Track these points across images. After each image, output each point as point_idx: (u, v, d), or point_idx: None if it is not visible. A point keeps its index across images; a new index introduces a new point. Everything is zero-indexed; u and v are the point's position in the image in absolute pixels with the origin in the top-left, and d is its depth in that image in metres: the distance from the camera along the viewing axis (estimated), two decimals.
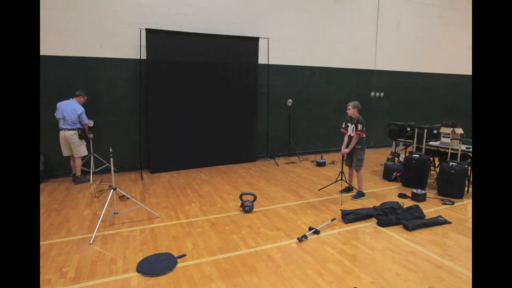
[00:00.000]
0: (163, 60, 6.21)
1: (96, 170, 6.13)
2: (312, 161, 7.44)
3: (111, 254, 3.23)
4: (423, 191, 4.85)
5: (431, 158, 5.94)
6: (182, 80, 6.41)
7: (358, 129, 4.74)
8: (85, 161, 6.03)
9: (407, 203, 4.63)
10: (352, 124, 4.86)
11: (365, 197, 4.95)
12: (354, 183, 5.20)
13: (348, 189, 5.19)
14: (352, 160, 4.98)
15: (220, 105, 6.82)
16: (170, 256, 3.17)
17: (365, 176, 6.18)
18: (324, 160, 7.09)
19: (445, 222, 4.02)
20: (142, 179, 5.87)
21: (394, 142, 6.95)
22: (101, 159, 6.15)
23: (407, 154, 5.82)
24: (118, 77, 6.20)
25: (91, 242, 3.46)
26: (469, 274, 2.91)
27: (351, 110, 4.85)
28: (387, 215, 4.01)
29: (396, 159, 6.87)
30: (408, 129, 6.17)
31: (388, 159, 7.16)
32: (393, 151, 6.99)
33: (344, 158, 5.06)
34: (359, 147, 4.85)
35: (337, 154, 8.18)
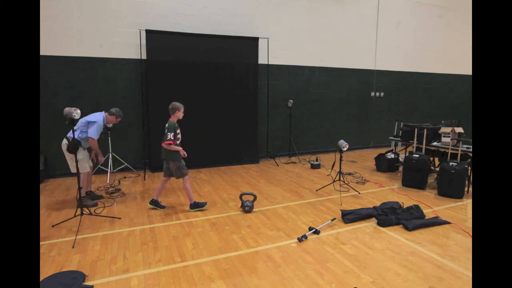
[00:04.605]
0: (163, 60, 6.22)
1: (115, 170, 6.25)
2: (309, 161, 7.32)
3: (111, 254, 3.24)
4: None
5: (431, 158, 5.93)
6: (183, 80, 6.42)
7: (167, 138, 3.98)
8: (105, 160, 6.07)
9: (407, 203, 4.63)
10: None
11: (205, 207, 4.33)
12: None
13: (154, 202, 4.36)
14: (171, 171, 4.18)
15: (220, 105, 6.81)
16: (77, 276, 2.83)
17: (365, 176, 6.18)
18: (318, 162, 6.83)
19: (445, 222, 4.02)
20: (145, 179, 5.87)
21: (393, 142, 6.93)
22: (119, 159, 6.21)
23: (407, 154, 5.81)
24: (119, 77, 6.21)
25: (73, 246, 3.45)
26: (469, 274, 2.91)
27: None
28: (387, 215, 4.01)
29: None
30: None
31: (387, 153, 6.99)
32: (394, 150, 6.97)
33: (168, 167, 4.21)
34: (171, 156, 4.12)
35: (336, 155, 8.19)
